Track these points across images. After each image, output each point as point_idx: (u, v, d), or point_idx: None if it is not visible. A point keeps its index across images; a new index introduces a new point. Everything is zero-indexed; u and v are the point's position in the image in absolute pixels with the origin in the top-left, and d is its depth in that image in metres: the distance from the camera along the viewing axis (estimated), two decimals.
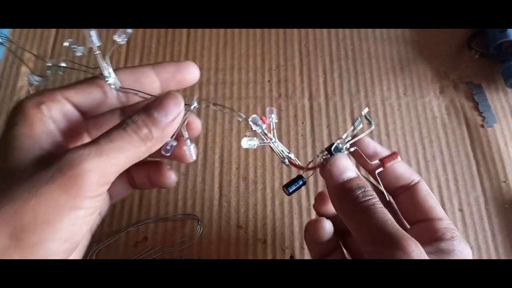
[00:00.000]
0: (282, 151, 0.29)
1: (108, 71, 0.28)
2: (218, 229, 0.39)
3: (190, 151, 0.29)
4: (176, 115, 0.25)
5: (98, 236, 0.38)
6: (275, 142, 0.29)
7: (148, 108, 0.25)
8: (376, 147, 0.30)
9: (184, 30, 0.49)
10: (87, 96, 0.27)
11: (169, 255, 0.38)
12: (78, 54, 0.30)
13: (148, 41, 0.49)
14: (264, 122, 0.29)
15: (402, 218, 0.29)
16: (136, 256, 0.37)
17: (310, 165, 0.29)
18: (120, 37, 0.31)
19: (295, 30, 0.49)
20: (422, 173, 0.42)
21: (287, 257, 0.38)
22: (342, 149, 0.28)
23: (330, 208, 0.30)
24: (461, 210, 0.40)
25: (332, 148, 0.28)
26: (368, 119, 0.30)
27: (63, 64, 0.32)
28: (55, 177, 0.22)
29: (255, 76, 0.47)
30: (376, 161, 0.29)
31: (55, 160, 0.23)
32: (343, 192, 0.26)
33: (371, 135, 0.41)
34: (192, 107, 0.27)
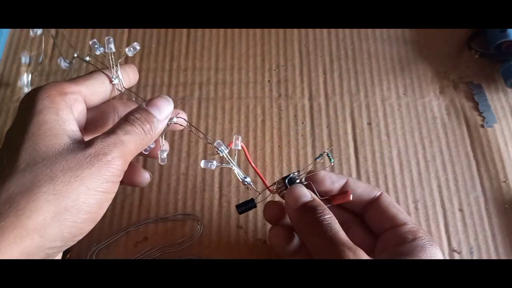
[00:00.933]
0: (238, 173, 0.33)
1: (116, 74, 0.34)
2: (218, 229, 0.39)
3: (163, 156, 0.33)
4: (168, 113, 0.30)
5: (98, 236, 0.38)
6: (234, 166, 0.33)
7: (145, 107, 0.30)
8: (332, 179, 0.32)
9: (184, 30, 0.49)
10: (93, 91, 0.31)
11: (169, 255, 0.38)
12: (97, 53, 0.35)
13: (148, 41, 0.49)
14: (229, 147, 0.33)
15: (373, 231, 0.32)
16: (136, 256, 0.37)
17: (273, 188, 0.33)
18: (129, 51, 0.37)
19: (295, 30, 0.49)
20: (422, 173, 0.42)
21: None
22: (296, 180, 0.32)
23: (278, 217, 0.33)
24: (461, 210, 0.40)
25: (287, 180, 0.32)
26: (329, 157, 0.33)
27: (87, 58, 0.41)
28: (93, 163, 0.25)
29: (255, 76, 0.47)
30: (327, 197, 0.32)
31: (88, 147, 0.26)
32: (298, 215, 0.29)
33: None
34: (173, 120, 0.32)
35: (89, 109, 0.32)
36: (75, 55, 0.43)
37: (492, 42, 0.46)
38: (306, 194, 0.30)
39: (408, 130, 0.44)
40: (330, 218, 0.28)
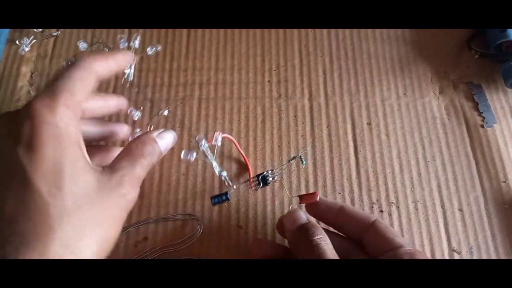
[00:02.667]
0: (215, 167, 0.37)
1: (128, 68, 0.40)
2: (218, 229, 0.39)
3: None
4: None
5: None
6: (212, 160, 0.37)
7: (156, 140, 0.33)
8: (327, 204, 0.34)
9: (184, 30, 0.49)
10: (92, 102, 0.32)
11: (169, 255, 0.38)
12: (121, 47, 0.43)
13: (148, 41, 0.49)
14: (210, 142, 0.37)
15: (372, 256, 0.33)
16: (136, 256, 0.38)
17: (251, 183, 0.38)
18: (151, 50, 0.43)
19: (295, 30, 0.49)
20: (422, 173, 0.42)
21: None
22: (269, 178, 0.36)
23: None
24: (461, 210, 0.40)
25: (260, 177, 0.36)
26: (301, 159, 0.38)
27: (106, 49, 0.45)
28: (124, 204, 0.29)
29: (255, 76, 0.47)
30: (296, 196, 0.36)
31: (119, 187, 0.29)
32: (293, 235, 0.32)
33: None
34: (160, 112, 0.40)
35: None
36: (100, 40, 0.45)
37: (492, 42, 0.46)
38: (302, 217, 0.32)
39: (408, 130, 0.44)
40: (320, 238, 0.30)
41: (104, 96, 0.35)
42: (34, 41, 0.48)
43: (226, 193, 0.37)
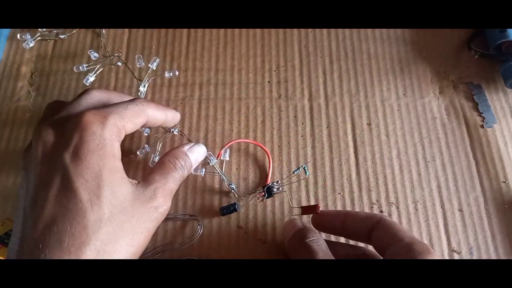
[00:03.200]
0: (224, 180, 0.40)
1: (143, 86, 0.43)
2: (218, 229, 0.39)
3: (155, 159, 0.40)
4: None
5: None
6: (221, 174, 0.40)
7: (187, 153, 0.36)
8: (331, 215, 0.35)
9: (184, 31, 0.49)
10: (134, 127, 0.33)
11: (169, 255, 0.38)
12: (138, 65, 0.44)
13: (148, 41, 0.49)
14: (218, 157, 0.40)
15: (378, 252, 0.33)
16: None
17: (257, 194, 0.39)
18: (168, 74, 0.45)
19: (295, 31, 0.49)
20: (422, 174, 0.42)
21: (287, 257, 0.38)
22: (274, 189, 0.38)
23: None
24: (460, 210, 0.40)
25: (265, 188, 0.38)
26: (305, 170, 0.39)
27: (119, 63, 0.46)
28: (156, 216, 0.31)
29: (255, 76, 0.47)
30: (298, 208, 0.38)
31: (153, 200, 0.30)
32: (290, 241, 0.34)
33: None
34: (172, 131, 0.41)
35: None
36: (117, 54, 0.46)
37: (492, 43, 0.46)
38: (298, 224, 0.34)
39: (408, 130, 0.44)
40: (312, 240, 0.31)
41: (164, 109, 0.37)
42: (39, 38, 0.48)
43: (234, 204, 0.39)
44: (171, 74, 0.45)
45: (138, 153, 0.41)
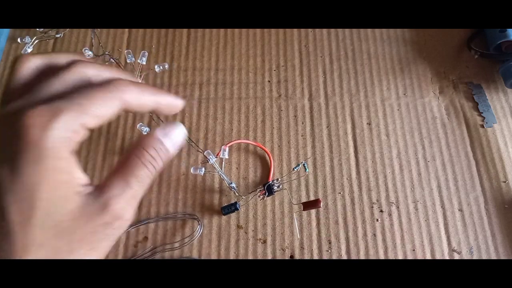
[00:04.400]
0: (224, 179, 0.39)
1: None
2: (218, 229, 0.39)
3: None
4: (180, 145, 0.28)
5: None
6: (220, 173, 0.39)
7: (160, 139, 0.27)
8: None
9: (184, 30, 0.49)
10: (100, 119, 0.25)
11: (169, 255, 0.38)
12: (128, 61, 0.43)
13: (148, 41, 0.49)
14: (217, 156, 0.39)
15: None
16: (136, 256, 0.38)
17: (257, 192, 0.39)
18: (158, 68, 0.44)
19: (295, 31, 0.49)
20: (422, 173, 0.42)
21: (287, 257, 0.38)
22: (274, 186, 0.38)
23: None
24: (461, 210, 0.40)
25: (266, 186, 0.38)
26: (304, 167, 0.39)
27: (112, 60, 0.45)
28: (108, 232, 0.25)
29: (255, 76, 0.47)
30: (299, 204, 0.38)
31: (104, 211, 0.24)
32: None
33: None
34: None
35: None
36: (107, 52, 0.45)
37: (491, 43, 0.46)
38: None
39: (408, 130, 0.44)
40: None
41: (156, 93, 0.28)
42: (36, 41, 0.48)
43: (235, 203, 0.38)
44: (161, 67, 0.44)
45: None
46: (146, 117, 0.44)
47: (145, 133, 0.42)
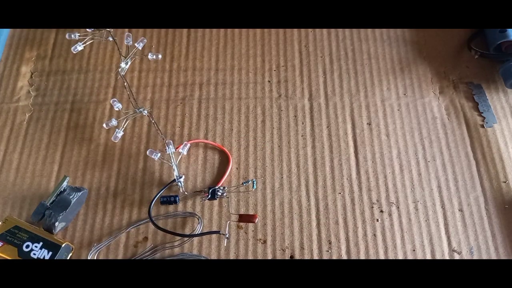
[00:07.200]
0: (175, 171, 0.39)
1: (125, 63, 0.43)
2: (218, 229, 0.39)
3: (118, 135, 0.40)
4: None
5: (98, 236, 0.38)
6: (173, 165, 0.39)
7: None
8: None
9: (184, 30, 0.49)
10: None
11: (169, 254, 0.38)
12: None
13: (148, 41, 0.49)
14: (177, 149, 0.40)
15: None
16: (136, 256, 0.37)
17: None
18: (151, 56, 0.45)
19: (295, 31, 0.49)
20: (422, 173, 0.42)
21: (287, 257, 0.38)
22: (218, 192, 0.39)
23: None
24: (461, 210, 0.40)
25: (210, 190, 0.39)
26: (253, 183, 0.40)
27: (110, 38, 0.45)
28: None
29: (255, 76, 0.47)
30: (237, 215, 0.38)
31: None
32: None
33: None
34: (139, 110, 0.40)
35: None
36: (109, 29, 0.46)
37: (492, 43, 0.46)
38: None
39: (408, 130, 0.44)
40: None
41: None
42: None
43: (176, 196, 0.39)
44: (154, 56, 0.45)
45: (104, 125, 0.42)
46: (119, 93, 0.43)
47: (117, 109, 0.42)
